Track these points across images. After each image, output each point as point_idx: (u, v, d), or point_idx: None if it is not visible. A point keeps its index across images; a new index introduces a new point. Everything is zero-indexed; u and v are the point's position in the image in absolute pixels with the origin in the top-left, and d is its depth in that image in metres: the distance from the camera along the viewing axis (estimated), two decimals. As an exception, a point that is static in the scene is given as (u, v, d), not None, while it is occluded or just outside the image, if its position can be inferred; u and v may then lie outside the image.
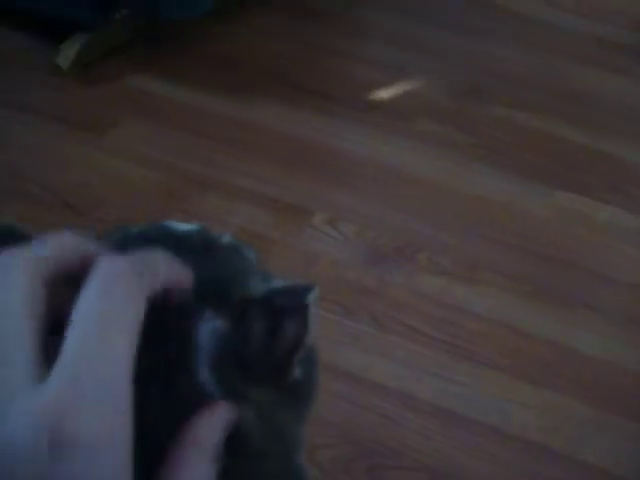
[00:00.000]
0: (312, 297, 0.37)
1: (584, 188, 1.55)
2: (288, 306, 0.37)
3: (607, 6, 2.08)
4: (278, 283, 0.40)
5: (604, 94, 1.81)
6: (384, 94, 1.73)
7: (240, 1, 1.85)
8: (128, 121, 1.60)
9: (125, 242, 0.40)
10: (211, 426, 0.36)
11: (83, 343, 0.31)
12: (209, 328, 0.36)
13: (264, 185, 1.48)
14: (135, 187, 1.45)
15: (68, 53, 1.69)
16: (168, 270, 0.35)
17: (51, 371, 0.30)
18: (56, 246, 0.34)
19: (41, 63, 1.69)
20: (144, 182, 1.46)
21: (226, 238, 0.42)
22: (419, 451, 1.11)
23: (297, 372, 0.39)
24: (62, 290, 0.33)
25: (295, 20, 1.93)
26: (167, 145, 1.55)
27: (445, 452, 1.12)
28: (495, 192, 1.53)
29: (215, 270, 0.39)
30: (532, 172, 1.58)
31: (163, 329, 0.35)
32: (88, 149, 1.52)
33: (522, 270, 1.39)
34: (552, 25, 2.01)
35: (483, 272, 1.37)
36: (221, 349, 0.36)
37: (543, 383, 1.22)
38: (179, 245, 0.39)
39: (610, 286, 1.38)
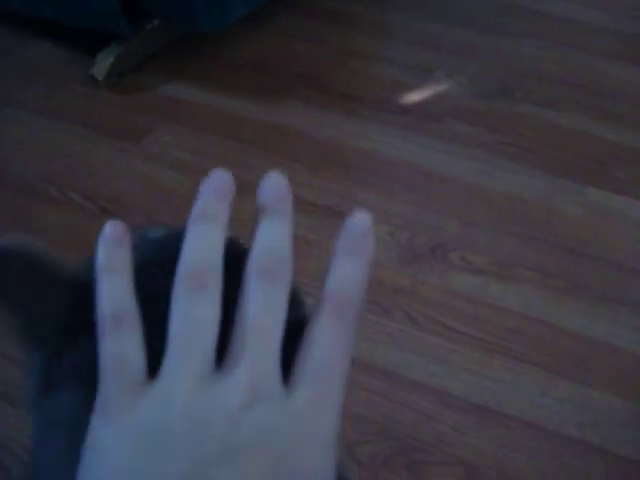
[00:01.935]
0: None
1: (615, 184, 1.56)
2: None
3: (633, 1, 2.08)
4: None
5: (633, 89, 1.81)
6: (413, 96, 1.75)
7: (267, 6, 1.87)
8: (163, 128, 1.63)
9: (142, 250, 0.39)
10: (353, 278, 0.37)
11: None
12: None
13: (298, 188, 1.50)
14: (172, 192, 1.48)
15: (103, 64, 1.72)
16: None
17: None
18: None
19: (78, 74, 1.74)
20: (180, 187, 1.49)
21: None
22: (456, 446, 1.13)
23: None
24: None
25: (322, 23, 1.95)
26: (201, 150, 1.58)
27: (481, 447, 1.13)
28: (527, 190, 1.54)
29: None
30: (563, 169, 1.58)
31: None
32: (125, 156, 1.56)
33: (556, 267, 1.40)
34: (579, 22, 2.01)
35: (516, 269, 1.38)
36: None
37: (579, 378, 1.23)
38: None
39: (644, 281, 1.38)
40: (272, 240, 0.37)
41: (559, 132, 1.68)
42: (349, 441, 1.11)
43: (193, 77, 1.76)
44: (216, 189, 0.40)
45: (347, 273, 0.36)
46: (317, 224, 1.43)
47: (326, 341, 0.35)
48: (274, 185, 0.41)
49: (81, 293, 0.37)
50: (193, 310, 0.34)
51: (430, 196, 1.52)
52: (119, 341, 0.34)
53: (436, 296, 1.33)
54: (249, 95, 1.73)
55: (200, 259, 0.35)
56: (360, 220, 0.38)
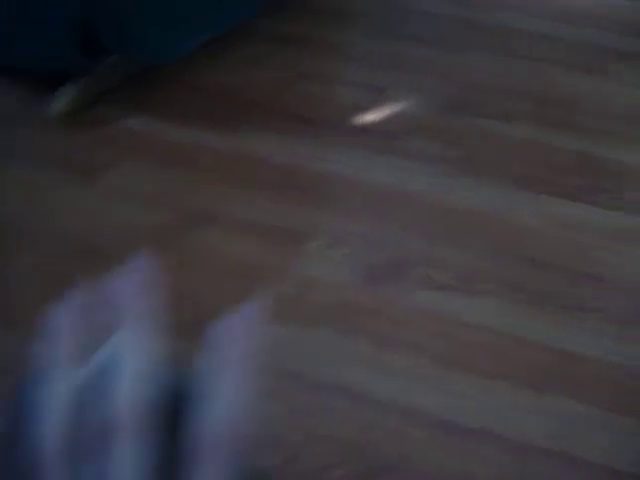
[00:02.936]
0: None
1: (571, 192, 1.57)
2: None
3: (584, 10, 2.12)
4: None
5: (588, 98, 1.83)
6: (369, 115, 1.76)
7: (224, 35, 1.89)
8: (124, 161, 1.63)
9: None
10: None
11: None
12: None
13: (259, 214, 1.51)
14: (134, 226, 1.48)
15: (61, 101, 1.73)
16: None
17: None
18: None
19: (37, 112, 1.73)
20: (141, 220, 1.49)
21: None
22: (426, 463, 1.13)
23: None
24: None
25: (277, 48, 1.97)
26: (161, 182, 1.58)
27: (452, 462, 1.13)
28: (486, 204, 1.55)
29: None
30: (521, 181, 1.60)
31: None
32: (87, 192, 1.56)
33: (518, 279, 1.41)
34: (533, 33, 2.04)
35: (479, 283, 1.39)
36: None
37: (545, 388, 1.23)
38: None
39: (602, 287, 1.39)
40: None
41: (516, 144, 1.70)
42: (317, 465, 1.11)
43: (151, 109, 1.77)
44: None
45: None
46: (278, 249, 1.43)
47: None
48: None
49: None
50: None
51: (390, 214, 1.53)
52: None
53: (400, 314, 1.33)
54: (207, 124, 1.73)
55: None
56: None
